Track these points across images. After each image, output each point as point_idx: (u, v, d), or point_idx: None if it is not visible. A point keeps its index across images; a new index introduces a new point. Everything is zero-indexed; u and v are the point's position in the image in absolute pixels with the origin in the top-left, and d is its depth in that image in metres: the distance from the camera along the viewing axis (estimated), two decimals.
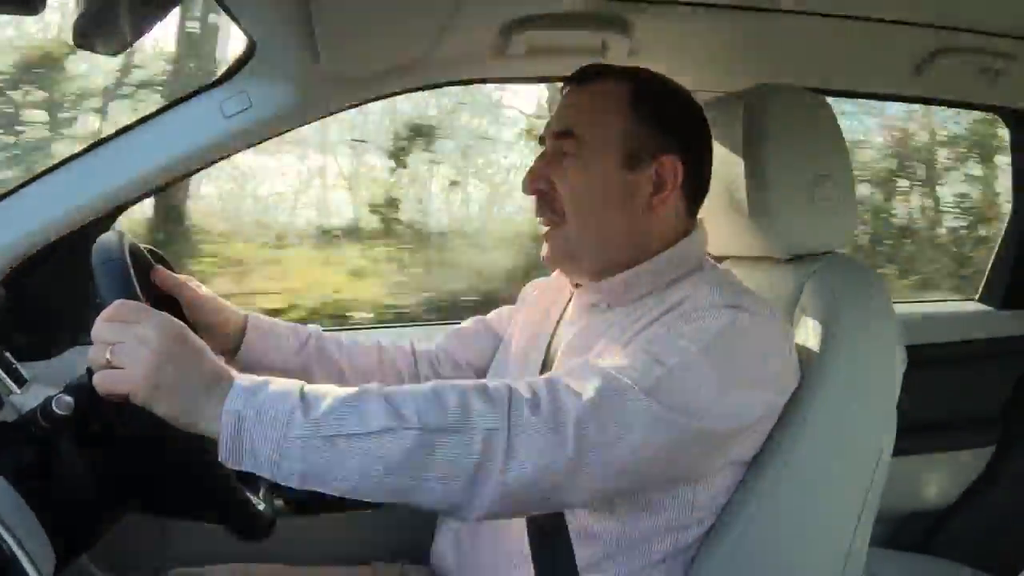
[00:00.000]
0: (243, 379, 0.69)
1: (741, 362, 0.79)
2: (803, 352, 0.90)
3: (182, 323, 0.71)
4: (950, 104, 1.64)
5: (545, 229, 0.94)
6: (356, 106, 1.31)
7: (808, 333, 0.92)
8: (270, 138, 1.28)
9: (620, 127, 0.89)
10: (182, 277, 1.01)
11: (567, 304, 1.01)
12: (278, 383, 0.69)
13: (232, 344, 1.02)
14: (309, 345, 1.05)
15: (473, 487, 0.69)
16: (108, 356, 0.67)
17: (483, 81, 1.41)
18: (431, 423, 0.68)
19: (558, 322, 1.00)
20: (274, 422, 0.66)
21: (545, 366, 0.97)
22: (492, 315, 1.16)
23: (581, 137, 0.90)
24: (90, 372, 0.71)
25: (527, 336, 1.04)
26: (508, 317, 1.13)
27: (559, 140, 0.92)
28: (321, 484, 0.68)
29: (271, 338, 1.03)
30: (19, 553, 0.71)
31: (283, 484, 0.68)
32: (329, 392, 0.69)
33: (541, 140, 0.96)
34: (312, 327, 1.09)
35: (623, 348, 0.80)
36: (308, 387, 0.69)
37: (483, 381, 0.73)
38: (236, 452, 0.66)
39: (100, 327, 0.69)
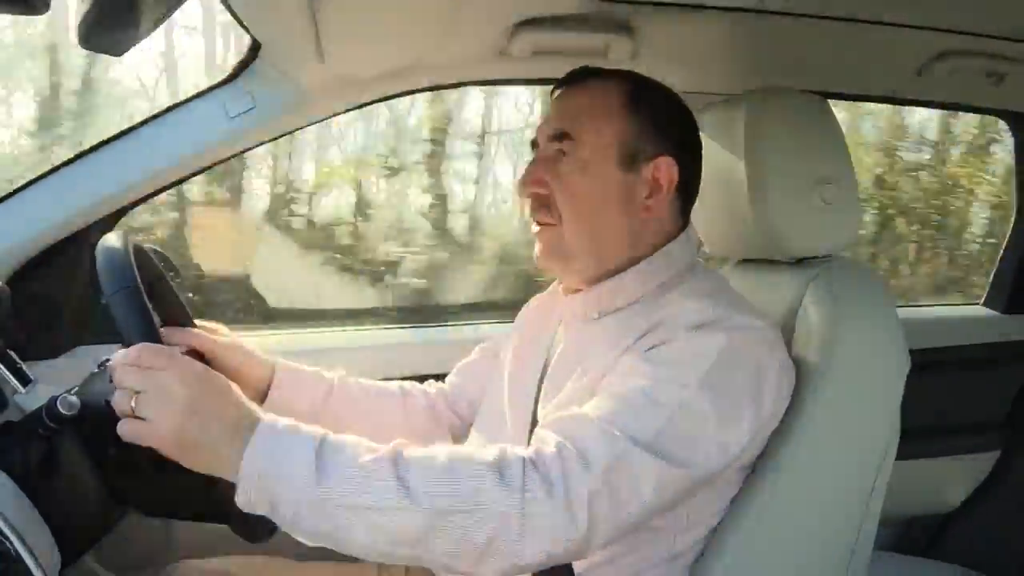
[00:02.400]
0: (263, 429, 0.70)
1: (738, 387, 0.79)
2: (805, 356, 0.90)
3: (204, 367, 0.72)
4: (953, 107, 1.64)
5: (537, 229, 0.94)
6: (360, 107, 1.31)
7: (811, 337, 0.91)
8: (274, 138, 1.29)
9: (618, 128, 0.90)
10: (208, 325, 1.00)
11: (559, 320, 1.00)
12: (298, 436, 0.70)
13: (261, 393, 1.01)
14: (334, 393, 1.05)
15: (483, 562, 0.70)
16: (132, 405, 0.68)
17: (486, 83, 1.42)
18: (443, 505, 0.68)
19: (552, 336, 1.00)
20: (291, 484, 0.68)
21: (541, 381, 0.96)
22: (490, 343, 1.15)
23: (578, 138, 0.90)
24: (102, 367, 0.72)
25: (523, 351, 1.03)
26: (505, 341, 1.12)
27: (554, 142, 0.91)
28: (334, 545, 0.70)
29: (298, 387, 1.03)
30: (24, 552, 0.71)
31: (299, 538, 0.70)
32: (347, 453, 0.70)
33: (534, 143, 0.96)
34: (336, 373, 1.09)
35: (615, 376, 0.81)
36: (327, 444, 0.70)
37: (499, 456, 0.72)
38: (255, 503, 0.69)
39: (123, 372, 0.70)
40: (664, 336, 0.82)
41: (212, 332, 1.00)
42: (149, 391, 0.68)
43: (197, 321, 1.00)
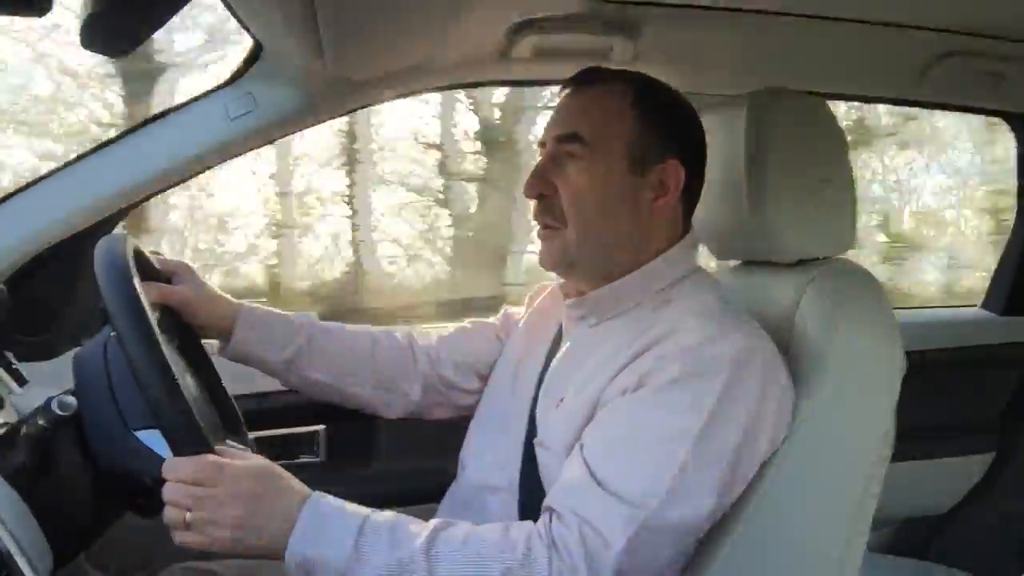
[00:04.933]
0: (308, 510, 0.74)
1: (743, 423, 0.80)
2: (802, 357, 0.90)
3: (254, 468, 0.75)
4: (955, 108, 1.64)
5: (542, 232, 0.93)
6: (361, 108, 1.31)
7: (808, 338, 0.91)
8: (275, 140, 1.28)
9: (627, 130, 0.89)
10: (174, 264, 1.00)
11: (562, 317, 1.00)
12: (338, 524, 0.74)
13: (222, 335, 1.02)
14: (300, 337, 1.04)
15: None
16: (188, 519, 0.72)
17: (488, 84, 1.42)
18: None
19: (555, 336, 1.00)
20: (328, 570, 0.73)
21: (540, 382, 0.95)
22: (498, 318, 1.14)
23: (587, 140, 0.89)
24: None
25: (525, 347, 1.03)
26: (515, 320, 1.11)
27: (562, 143, 0.90)
28: None
29: (261, 330, 1.03)
30: (16, 553, 0.71)
31: None
32: (384, 540, 0.73)
33: (541, 144, 0.95)
34: (306, 316, 1.08)
35: (616, 414, 0.81)
36: (367, 531, 0.74)
37: (525, 546, 0.75)
38: None
39: (175, 490, 0.73)
40: (663, 355, 0.81)
41: (179, 271, 0.99)
42: (202, 511, 0.72)
43: (163, 259, 0.99)
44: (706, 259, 1.07)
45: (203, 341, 1.02)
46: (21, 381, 1.03)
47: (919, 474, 1.60)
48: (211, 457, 0.74)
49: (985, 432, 1.67)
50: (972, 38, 1.19)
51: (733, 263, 1.12)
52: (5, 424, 0.85)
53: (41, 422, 0.78)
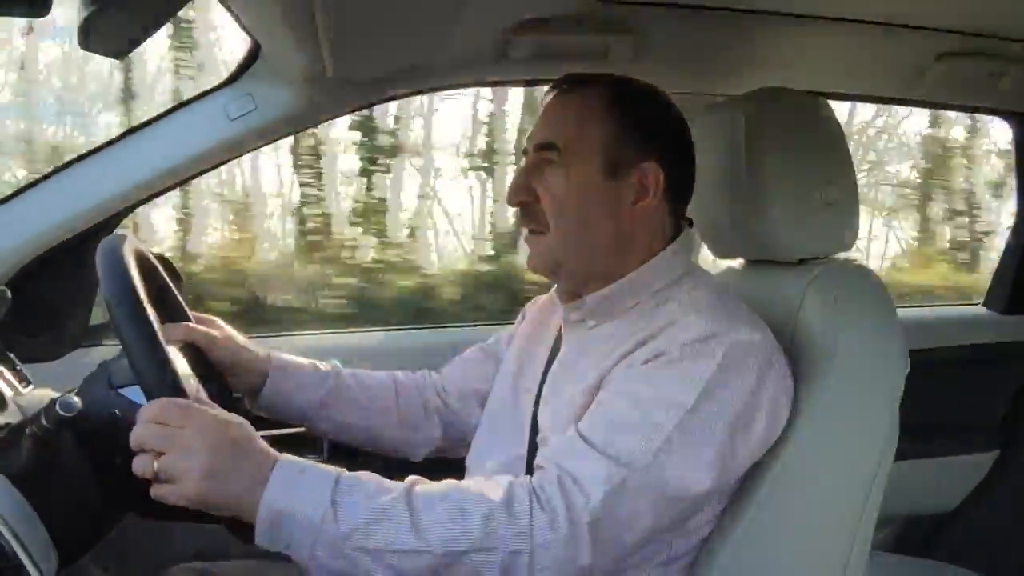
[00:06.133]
0: (279, 472, 0.72)
1: (736, 407, 0.80)
2: (805, 356, 0.90)
3: (222, 416, 0.73)
4: (953, 108, 1.64)
5: (528, 237, 0.94)
6: (360, 109, 1.31)
7: (810, 337, 0.91)
8: (275, 140, 1.29)
9: (600, 135, 0.89)
10: (204, 318, 1.01)
11: (560, 322, 1.00)
12: (312, 478, 0.72)
13: (255, 386, 1.02)
14: (329, 384, 1.06)
15: None
16: (155, 468, 0.70)
17: (485, 84, 1.42)
18: (455, 546, 0.71)
19: (554, 341, 1.00)
20: (306, 527, 0.70)
21: (541, 385, 0.96)
22: (492, 340, 1.15)
23: (562, 147, 0.90)
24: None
25: (522, 357, 1.03)
26: (507, 340, 1.12)
27: (541, 151, 0.91)
28: None
29: (293, 379, 1.04)
30: (21, 553, 0.71)
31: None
32: (361, 494, 0.72)
33: (525, 152, 0.96)
34: (332, 364, 1.09)
35: (611, 390, 0.82)
36: (342, 485, 0.72)
37: (507, 494, 0.74)
38: (273, 542, 0.71)
39: (142, 432, 0.71)
40: (661, 348, 0.82)
41: (208, 324, 1.00)
42: (169, 452, 0.70)
43: (193, 313, 1.00)
44: (710, 260, 1.07)
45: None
46: (24, 382, 1.03)
47: (923, 472, 1.59)
48: (179, 400, 0.73)
49: (988, 430, 1.67)
50: (971, 38, 1.19)
51: (736, 262, 1.12)
52: (8, 425, 0.85)
53: (45, 423, 0.78)
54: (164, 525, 1.25)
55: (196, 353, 0.96)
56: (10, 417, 0.91)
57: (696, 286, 0.90)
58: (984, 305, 1.76)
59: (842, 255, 1.02)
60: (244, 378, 1.02)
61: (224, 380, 1.00)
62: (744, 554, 0.86)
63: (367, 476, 0.74)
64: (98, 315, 1.31)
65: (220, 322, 1.03)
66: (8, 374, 1.01)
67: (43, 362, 1.20)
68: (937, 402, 1.55)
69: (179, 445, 0.70)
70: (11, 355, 1.07)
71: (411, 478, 0.76)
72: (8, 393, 0.96)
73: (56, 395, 0.81)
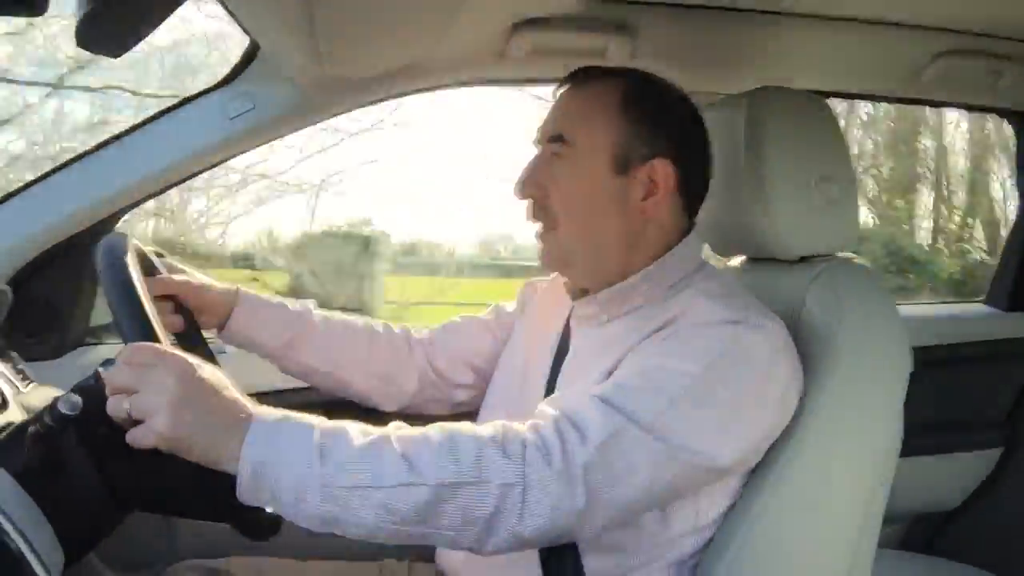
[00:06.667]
0: (260, 418, 0.70)
1: (744, 386, 0.79)
2: (808, 355, 0.90)
3: (198, 362, 0.72)
4: (953, 106, 1.64)
5: (539, 232, 0.93)
6: (360, 107, 1.31)
7: (813, 335, 0.91)
8: (274, 139, 1.29)
9: (610, 131, 0.89)
10: (171, 264, 1.01)
11: (569, 315, 0.99)
12: (295, 423, 0.70)
13: (221, 320, 1.02)
14: (296, 324, 1.05)
15: (487, 535, 0.71)
16: (127, 408, 0.69)
17: (485, 83, 1.42)
18: (446, 478, 0.69)
19: (561, 335, 0.99)
20: (291, 471, 0.68)
21: (550, 383, 0.95)
22: (488, 313, 1.14)
23: (571, 141, 0.89)
24: (98, 376, 0.73)
25: (531, 347, 1.03)
26: (509, 321, 1.11)
27: (551, 143, 0.91)
28: (338, 529, 0.70)
29: (259, 314, 1.03)
30: (27, 551, 0.71)
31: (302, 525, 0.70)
32: (345, 436, 0.70)
33: (536, 143, 0.95)
34: (304, 304, 1.08)
35: (622, 367, 0.81)
36: (324, 430, 0.70)
37: (500, 431, 0.73)
38: (256, 494, 0.69)
39: (116, 372, 0.70)
40: (672, 331, 0.82)
41: (177, 271, 1.00)
42: (142, 390, 0.69)
43: (163, 261, 1.00)
44: (715, 259, 1.07)
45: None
46: (26, 381, 1.03)
47: (928, 470, 1.59)
48: (154, 344, 0.72)
49: (992, 428, 1.66)
50: (970, 36, 1.19)
51: (737, 260, 1.12)
52: (11, 424, 0.85)
53: (48, 421, 0.78)
54: (168, 522, 1.26)
55: (177, 307, 0.97)
56: (12, 416, 0.92)
57: (708, 278, 0.90)
58: (986, 302, 1.76)
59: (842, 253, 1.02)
60: (212, 314, 1.01)
61: (196, 324, 1.00)
62: (749, 552, 0.86)
63: (348, 422, 0.72)
64: (99, 315, 1.32)
65: (181, 266, 1.02)
66: (10, 373, 1.01)
67: (45, 360, 1.21)
68: (941, 399, 1.55)
69: (151, 382, 0.69)
70: (13, 353, 1.07)
71: (395, 423, 0.74)
72: (10, 392, 0.97)
73: (58, 393, 0.81)
